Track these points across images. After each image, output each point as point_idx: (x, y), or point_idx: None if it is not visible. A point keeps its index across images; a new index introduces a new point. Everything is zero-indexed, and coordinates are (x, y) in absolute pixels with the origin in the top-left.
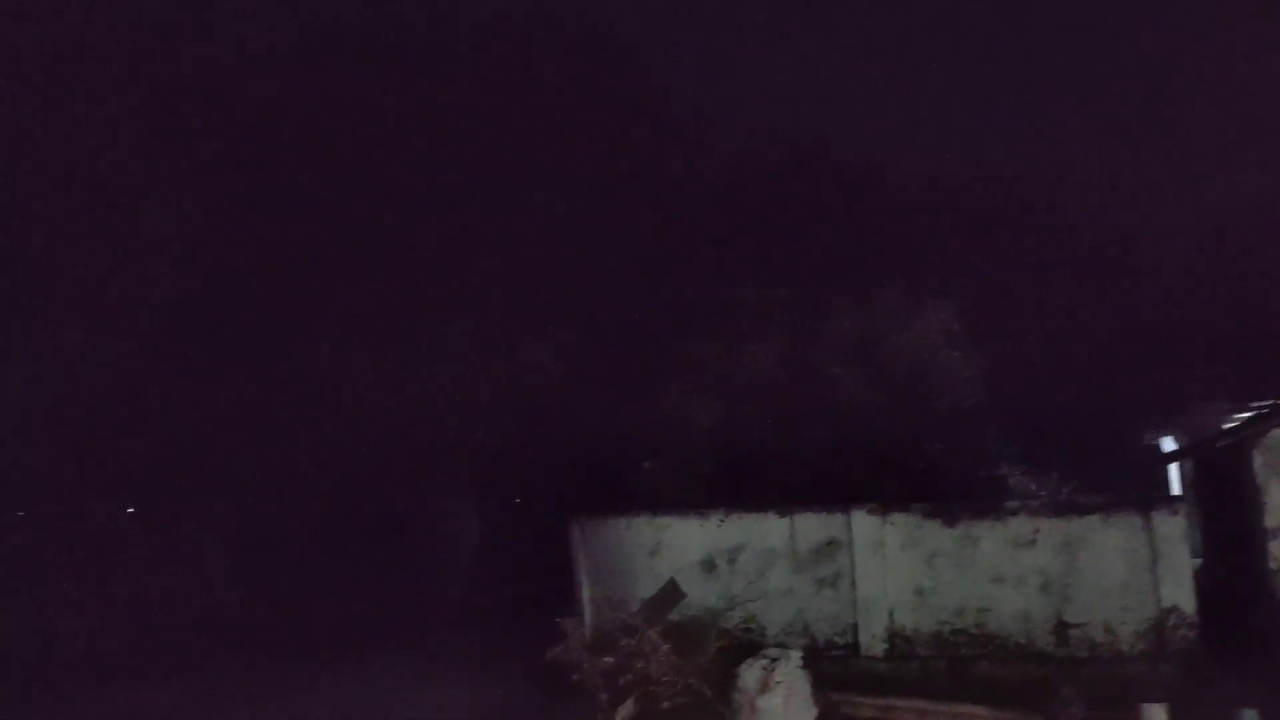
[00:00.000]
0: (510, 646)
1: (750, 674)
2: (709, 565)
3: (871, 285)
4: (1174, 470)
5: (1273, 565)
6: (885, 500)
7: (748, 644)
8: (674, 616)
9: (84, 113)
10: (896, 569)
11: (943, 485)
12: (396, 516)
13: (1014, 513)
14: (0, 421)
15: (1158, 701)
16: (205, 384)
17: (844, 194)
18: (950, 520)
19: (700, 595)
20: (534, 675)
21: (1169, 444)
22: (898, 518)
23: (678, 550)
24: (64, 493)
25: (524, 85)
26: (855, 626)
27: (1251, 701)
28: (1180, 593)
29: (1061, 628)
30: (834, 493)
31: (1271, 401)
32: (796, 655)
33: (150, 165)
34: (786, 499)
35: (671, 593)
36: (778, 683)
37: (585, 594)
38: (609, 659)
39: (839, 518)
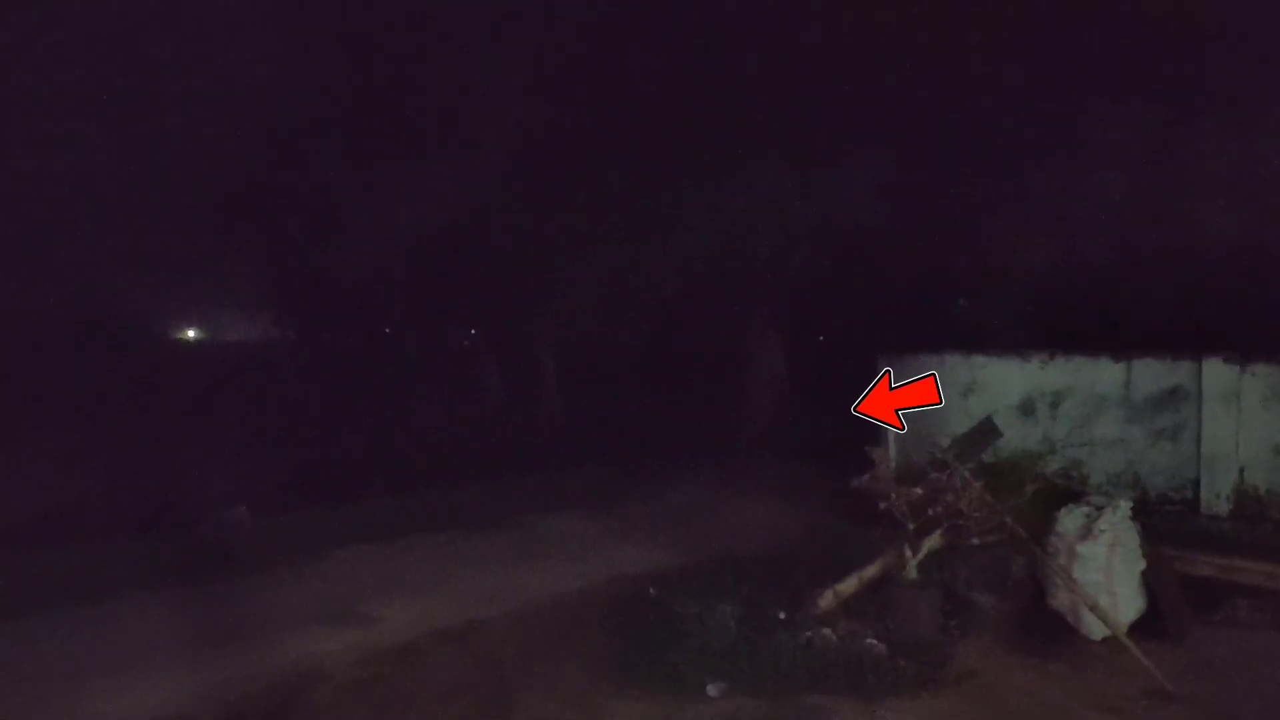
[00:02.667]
0: (818, 474)
1: (1071, 519)
2: (1028, 408)
3: (1247, 102)
4: None
5: None
6: (1245, 349)
7: (1067, 490)
8: (987, 457)
9: None
10: (1253, 424)
11: None
12: (711, 348)
13: None
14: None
15: None
16: (539, 225)
17: None
18: None
19: (1017, 437)
20: (841, 502)
21: None
22: (1260, 368)
23: (994, 391)
24: (420, 318)
25: None
26: (1196, 482)
27: None
28: None
29: None
30: (1182, 338)
31: None
32: (1125, 505)
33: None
34: (1124, 343)
35: (987, 431)
36: (1102, 531)
37: (892, 432)
38: (917, 490)
39: (1186, 365)
